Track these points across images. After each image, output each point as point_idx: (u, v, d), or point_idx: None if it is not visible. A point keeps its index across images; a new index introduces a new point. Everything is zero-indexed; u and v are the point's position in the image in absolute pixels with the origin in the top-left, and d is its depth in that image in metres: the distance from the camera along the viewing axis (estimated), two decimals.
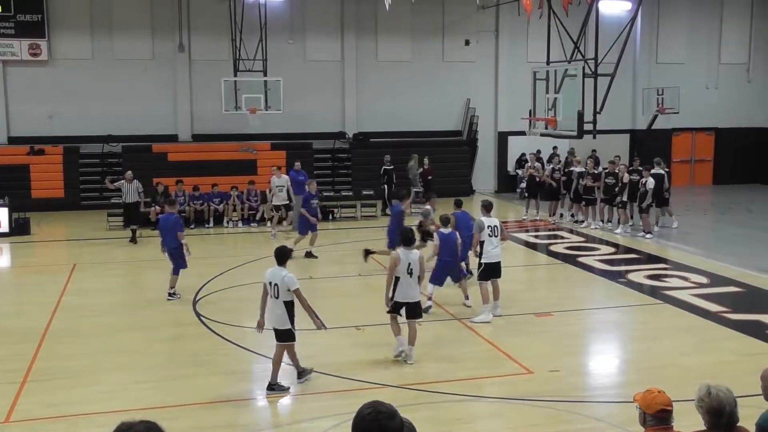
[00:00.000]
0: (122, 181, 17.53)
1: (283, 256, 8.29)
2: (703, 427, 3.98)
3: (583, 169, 18.85)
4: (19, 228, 18.02)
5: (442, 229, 11.42)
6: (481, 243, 10.95)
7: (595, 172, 18.62)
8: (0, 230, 17.85)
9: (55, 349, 9.80)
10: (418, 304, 9.13)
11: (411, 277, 8.93)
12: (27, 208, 19.08)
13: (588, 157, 20.73)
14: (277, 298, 8.16)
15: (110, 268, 14.85)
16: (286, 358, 8.44)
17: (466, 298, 11.61)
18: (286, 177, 18.14)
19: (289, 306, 8.18)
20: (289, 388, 8.35)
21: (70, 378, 8.79)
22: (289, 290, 8.10)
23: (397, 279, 8.95)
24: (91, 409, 7.73)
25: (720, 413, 3.87)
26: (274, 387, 8.28)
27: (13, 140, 22.31)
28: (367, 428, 2.68)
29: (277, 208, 18.11)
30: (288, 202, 17.99)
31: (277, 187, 17.94)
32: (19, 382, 8.55)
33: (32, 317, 11.20)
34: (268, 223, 18.38)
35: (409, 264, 8.92)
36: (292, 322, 8.23)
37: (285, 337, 8.28)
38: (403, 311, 9.08)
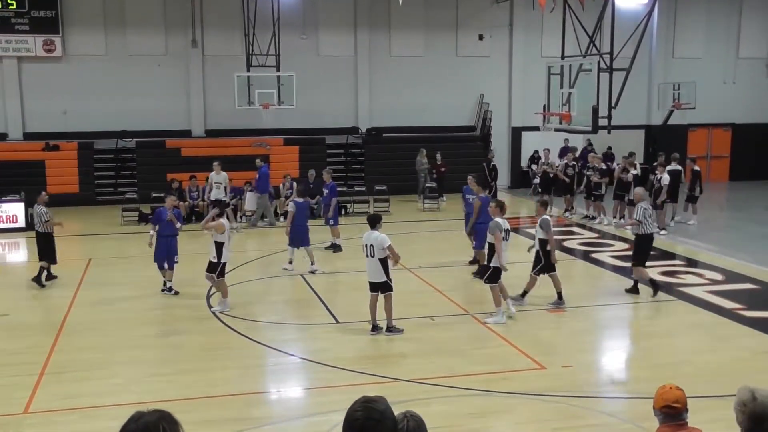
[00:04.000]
0: (36, 206, 13.39)
1: (375, 220, 9.89)
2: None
3: (593, 165, 18.81)
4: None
5: (297, 199, 13.72)
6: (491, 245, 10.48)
7: (603, 168, 18.52)
8: (16, 225, 18.05)
9: (72, 342, 9.91)
10: (214, 264, 11.12)
11: (230, 241, 11.28)
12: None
13: (603, 152, 20.68)
14: (372, 257, 9.69)
15: (125, 263, 14.96)
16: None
17: (312, 263, 13.53)
18: (224, 174, 18.13)
19: (383, 262, 9.70)
20: (402, 330, 9.93)
21: (86, 371, 8.89)
22: (383, 248, 9.60)
23: (222, 244, 10.98)
24: (106, 402, 7.81)
25: (762, 420, 3.73)
26: (391, 329, 9.92)
27: (28, 136, 22.51)
28: (349, 425, 2.52)
29: (214, 204, 17.90)
30: (224, 198, 17.91)
31: (215, 183, 17.91)
32: (37, 375, 8.66)
33: (49, 311, 11.33)
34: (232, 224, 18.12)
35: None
36: (387, 275, 9.75)
37: (385, 287, 9.82)
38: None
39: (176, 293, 12.13)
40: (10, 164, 21.26)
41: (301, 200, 13.80)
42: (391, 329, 9.96)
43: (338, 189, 20.44)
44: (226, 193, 18.05)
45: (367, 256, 9.82)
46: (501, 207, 10.86)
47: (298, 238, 13.52)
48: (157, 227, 12.24)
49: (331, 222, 15.49)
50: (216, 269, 11.09)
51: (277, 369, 9.19)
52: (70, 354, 9.44)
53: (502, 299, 10.62)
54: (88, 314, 11.20)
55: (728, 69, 26.77)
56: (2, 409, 7.79)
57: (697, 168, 18.47)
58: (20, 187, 19.33)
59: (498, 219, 10.62)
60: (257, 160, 19.09)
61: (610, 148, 22.18)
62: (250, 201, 18.83)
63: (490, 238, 10.59)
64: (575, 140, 22.15)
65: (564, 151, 22.55)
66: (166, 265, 12.18)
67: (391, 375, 8.55)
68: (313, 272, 13.39)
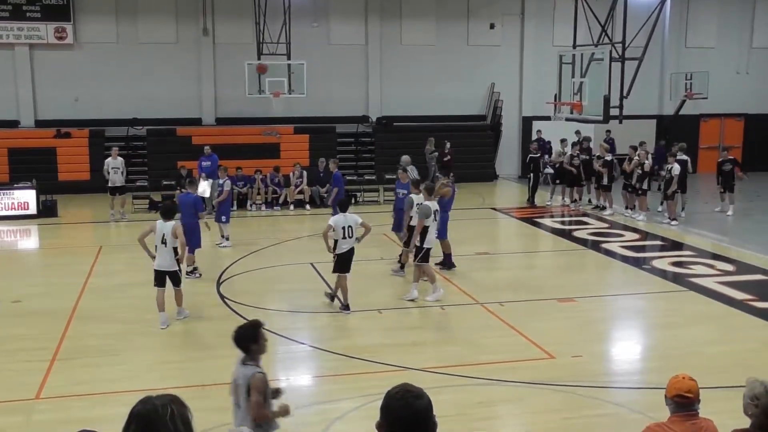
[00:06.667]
0: None
1: (345, 204, 10.72)
2: (740, 419, 3.86)
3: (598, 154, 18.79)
4: (46, 210, 18.31)
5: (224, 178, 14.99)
6: (426, 228, 10.92)
7: (606, 158, 18.42)
8: (28, 212, 18.17)
9: (83, 328, 9.98)
10: (175, 273, 10.07)
11: (165, 246, 9.88)
12: (54, 190, 19.35)
13: (604, 140, 20.58)
14: (351, 237, 10.31)
15: (136, 250, 14.88)
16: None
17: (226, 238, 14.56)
18: (121, 159, 18.02)
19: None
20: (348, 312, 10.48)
21: (97, 357, 8.96)
22: (359, 226, 10.39)
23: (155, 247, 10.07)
24: (116, 388, 7.87)
25: None
26: (347, 307, 10.54)
27: (40, 123, 22.61)
28: (395, 408, 2.72)
29: (113, 190, 17.78)
30: (123, 184, 17.79)
31: (112, 168, 17.73)
32: (49, 360, 8.74)
33: (60, 298, 11.40)
34: (115, 210, 17.92)
35: (163, 235, 9.86)
36: None
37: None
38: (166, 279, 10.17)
39: (199, 275, 12.46)
40: (22, 151, 21.40)
41: (227, 179, 15.17)
42: (347, 307, 10.53)
43: (348, 178, 20.48)
44: (123, 177, 17.93)
45: (345, 237, 10.29)
46: (429, 191, 11.36)
47: (221, 212, 14.77)
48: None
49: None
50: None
51: (287, 357, 9.22)
52: (81, 340, 9.51)
53: (435, 275, 11.31)
54: (99, 301, 11.28)
55: (741, 59, 26.53)
56: (15, 394, 7.87)
57: (732, 157, 18.54)
58: (32, 174, 19.45)
59: (428, 202, 11.08)
60: (206, 148, 18.97)
61: (609, 131, 21.93)
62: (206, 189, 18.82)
63: (415, 220, 11.32)
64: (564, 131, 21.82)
65: (539, 143, 22.17)
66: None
67: (400, 363, 8.56)
68: (219, 245, 14.65)
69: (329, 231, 10.31)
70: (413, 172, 14.85)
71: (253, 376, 5.02)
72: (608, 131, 21.93)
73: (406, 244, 11.97)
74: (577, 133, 21.21)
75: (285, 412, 5.17)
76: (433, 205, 11.13)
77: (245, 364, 5.14)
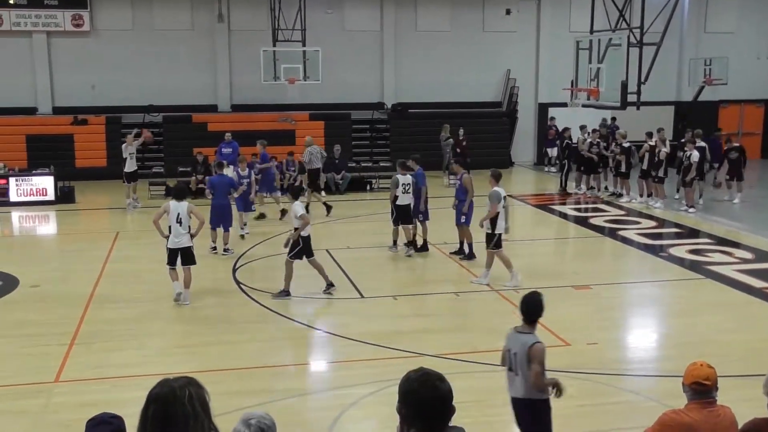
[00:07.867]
0: None
1: (297, 192, 10.97)
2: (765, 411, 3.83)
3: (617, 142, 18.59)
4: (64, 196, 18.49)
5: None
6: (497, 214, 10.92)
7: (624, 145, 18.24)
8: (46, 198, 18.35)
9: (100, 313, 10.08)
10: (189, 250, 10.22)
11: (180, 226, 10.06)
12: (71, 176, 19.52)
13: (610, 127, 20.38)
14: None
15: (152, 236, 15.02)
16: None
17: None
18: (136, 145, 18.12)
19: None
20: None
21: (114, 341, 9.05)
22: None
23: (169, 228, 10.20)
24: (133, 372, 7.95)
25: None
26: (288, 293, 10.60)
27: (57, 110, 22.75)
28: (420, 390, 2.70)
29: (128, 177, 17.77)
30: (135, 169, 17.84)
31: (130, 154, 17.78)
32: (67, 345, 8.84)
33: (78, 283, 11.51)
34: (131, 198, 17.85)
35: (178, 214, 10.01)
36: None
37: None
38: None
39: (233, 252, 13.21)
40: (40, 138, 21.56)
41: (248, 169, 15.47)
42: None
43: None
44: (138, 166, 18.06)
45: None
46: (497, 177, 11.29)
47: (248, 202, 14.84)
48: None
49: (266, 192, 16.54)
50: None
51: (302, 342, 9.28)
52: (98, 325, 9.61)
53: (510, 260, 11.21)
54: (117, 286, 11.38)
55: (762, 44, 26.09)
56: (34, 377, 7.98)
57: (737, 144, 18.25)
58: (50, 160, 19.61)
59: (496, 188, 11.02)
60: (227, 134, 19.04)
61: (614, 119, 21.62)
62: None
63: (402, 199, 12.49)
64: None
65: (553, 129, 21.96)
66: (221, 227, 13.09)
67: (415, 350, 8.58)
68: (244, 227, 14.64)
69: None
70: (312, 154, 16.82)
71: (533, 345, 5.13)
72: (614, 118, 21.68)
73: (395, 222, 12.80)
74: (604, 120, 20.98)
75: (557, 383, 5.22)
76: (502, 190, 11.04)
77: (521, 333, 5.24)
